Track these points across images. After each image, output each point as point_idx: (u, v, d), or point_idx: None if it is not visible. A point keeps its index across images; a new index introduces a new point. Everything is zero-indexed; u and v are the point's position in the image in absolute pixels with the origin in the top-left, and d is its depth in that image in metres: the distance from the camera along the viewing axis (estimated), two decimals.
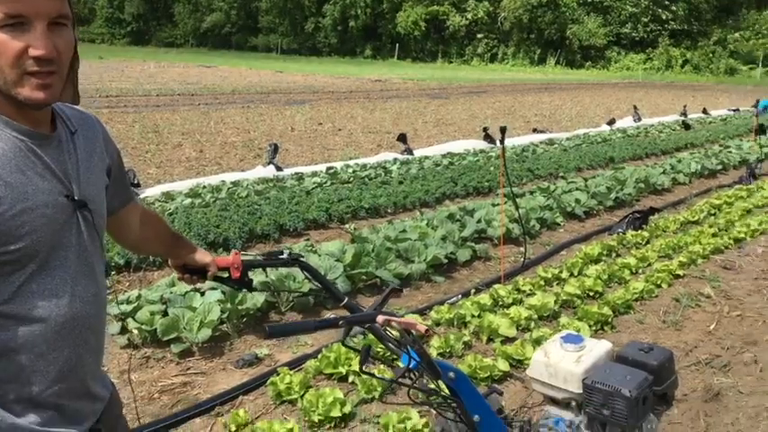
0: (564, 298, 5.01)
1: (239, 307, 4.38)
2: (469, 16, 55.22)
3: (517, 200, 6.73)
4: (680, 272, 5.69)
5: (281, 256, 2.05)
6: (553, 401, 2.63)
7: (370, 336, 2.12)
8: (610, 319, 4.66)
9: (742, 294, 5.35)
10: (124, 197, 1.66)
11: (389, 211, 7.86)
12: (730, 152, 12.36)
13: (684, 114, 18.84)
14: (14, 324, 1.27)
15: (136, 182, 8.34)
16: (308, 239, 6.45)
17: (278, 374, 3.65)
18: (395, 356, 2.05)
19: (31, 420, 1.30)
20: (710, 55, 48.89)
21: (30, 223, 1.26)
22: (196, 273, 1.95)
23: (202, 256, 1.91)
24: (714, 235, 6.82)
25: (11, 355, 1.27)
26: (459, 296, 5.19)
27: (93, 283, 1.40)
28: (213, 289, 4.52)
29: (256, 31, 66.23)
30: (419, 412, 3.29)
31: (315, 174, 9.57)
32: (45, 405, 1.32)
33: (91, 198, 1.40)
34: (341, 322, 1.72)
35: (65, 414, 1.36)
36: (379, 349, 3.34)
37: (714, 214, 7.94)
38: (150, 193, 8.07)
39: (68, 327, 1.34)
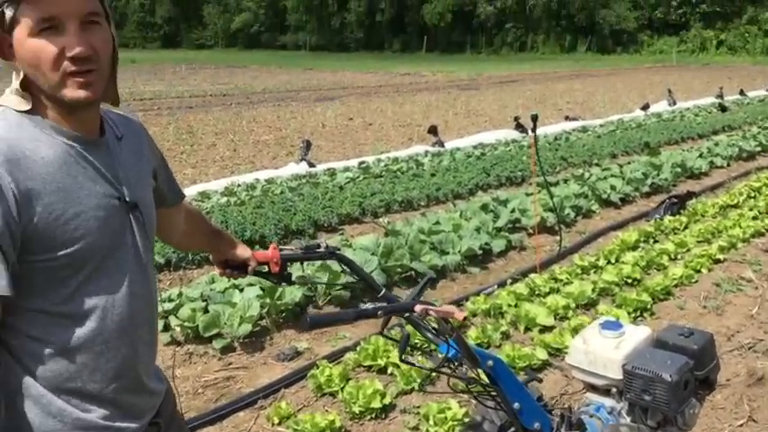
0: (601, 286, 4.98)
1: (278, 302, 4.45)
2: (498, 5, 54.73)
3: (551, 188, 6.69)
4: (720, 256, 5.60)
5: (319, 250, 2.08)
6: (593, 388, 2.63)
7: (410, 327, 2.15)
8: (649, 306, 4.62)
9: None
10: (172, 197, 1.70)
11: (422, 203, 7.87)
12: None
13: (721, 96, 18.43)
14: (74, 324, 1.32)
15: None
16: (342, 234, 6.50)
17: (318, 367, 3.70)
18: (433, 345, 2.07)
19: (93, 416, 1.35)
20: (746, 35, 47.68)
21: (83, 226, 1.29)
22: (237, 268, 1.99)
23: (243, 251, 1.95)
24: (754, 218, 6.69)
25: (72, 354, 1.32)
26: (495, 286, 5.18)
27: (146, 282, 1.45)
28: (251, 285, 4.59)
29: (284, 30, 66.72)
30: (459, 402, 3.31)
31: (347, 169, 9.62)
32: (105, 401, 1.37)
33: (141, 200, 1.44)
34: (379, 312, 1.74)
35: (124, 409, 1.41)
36: (417, 341, 3.37)
37: (753, 197, 7.77)
38: (187, 193, 8.11)
39: (125, 325, 1.38)
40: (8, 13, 1.24)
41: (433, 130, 11.80)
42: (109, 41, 1.34)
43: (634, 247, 6.02)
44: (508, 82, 28.39)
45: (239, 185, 8.44)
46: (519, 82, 28.40)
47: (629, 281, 5.17)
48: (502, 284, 5.20)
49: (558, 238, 6.17)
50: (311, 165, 9.84)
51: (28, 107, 1.30)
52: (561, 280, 5.18)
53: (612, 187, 7.96)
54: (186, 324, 4.22)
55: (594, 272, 5.43)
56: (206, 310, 4.36)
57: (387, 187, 8.16)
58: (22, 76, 1.29)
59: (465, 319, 1.84)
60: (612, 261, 5.63)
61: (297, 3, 63.66)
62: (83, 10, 1.27)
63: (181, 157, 11.45)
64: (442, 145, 11.59)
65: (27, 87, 1.30)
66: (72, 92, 1.28)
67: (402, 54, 56.37)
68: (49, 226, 1.26)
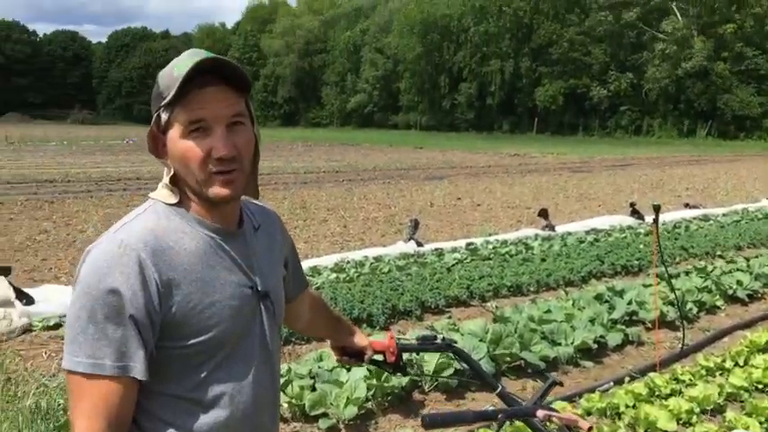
0: (729, 390, 4.62)
1: (385, 385, 4.41)
2: (612, 88, 54.17)
3: (672, 280, 6.35)
4: None
5: (436, 341, 2.07)
6: None
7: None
8: None
9: None
10: (299, 287, 1.76)
11: (532, 289, 7.67)
12: None
13: None
14: (203, 410, 1.36)
15: None
16: (449, 317, 6.42)
17: None
18: None
19: None
20: None
21: (218, 315, 1.36)
22: (354, 356, 2.01)
23: (360, 339, 1.97)
24: None
25: None
26: (611, 383, 4.91)
27: (271, 370, 1.48)
28: (359, 365, 4.58)
29: (397, 110, 68.93)
30: None
31: (455, 249, 9.59)
32: None
33: (272, 289, 1.50)
34: (500, 416, 1.69)
35: None
36: None
37: None
38: None
39: (249, 413, 1.41)
40: (164, 116, 1.36)
41: (543, 214, 11.62)
42: (251, 141, 1.43)
43: (765, 350, 5.57)
44: (623, 165, 27.75)
45: (348, 262, 8.58)
46: (634, 165, 27.70)
47: (761, 387, 4.78)
48: (618, 382, 4.92)
49: (679, 334, 5.81)
50: (419, 244, 9.89)
51: (175, 200, 1.40)
52: (684, 381, 4.84)
53: (739, 282, 7.47)
54: (294, 401, 4.25)
55: (721, 374, 5.06)
56: (313, 388, 4.38)
57: (495, 271, 8.03)
58: (171, 172, 1.39)
59: (590, 429, 1.74)
60: (741, 363, 5.23)
61: (410, 85, 65.89)
62: (229, 113, 1.37)
63: (294, 231, 11.82)
64: (552, 229, 11.38)
65: (176, 183, 1.40)
66: (216, 190, 1.36)
67: (512, 135, 56.54)
68: (186, 315, 1.32)
